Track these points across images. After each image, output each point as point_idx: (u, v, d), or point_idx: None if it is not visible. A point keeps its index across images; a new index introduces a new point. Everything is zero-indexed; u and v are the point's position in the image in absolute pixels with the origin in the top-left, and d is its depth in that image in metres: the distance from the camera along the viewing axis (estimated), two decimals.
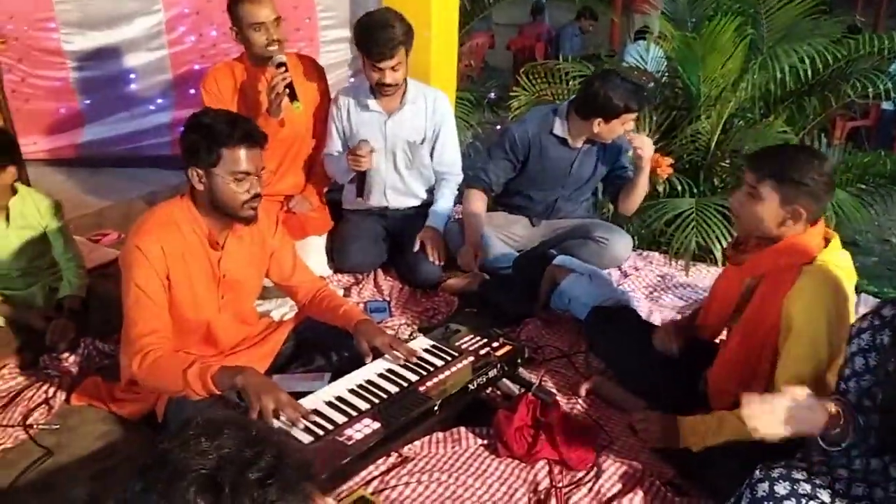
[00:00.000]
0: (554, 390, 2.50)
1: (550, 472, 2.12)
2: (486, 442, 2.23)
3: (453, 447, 2.20)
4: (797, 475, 1.64)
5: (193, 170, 2.06)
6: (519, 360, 2.40)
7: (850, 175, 4.03)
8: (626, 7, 9.09)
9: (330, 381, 2.20)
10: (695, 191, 4.05)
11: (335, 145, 3.31)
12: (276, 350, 2.42)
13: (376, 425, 1.94)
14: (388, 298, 3.18)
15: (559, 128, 3.15)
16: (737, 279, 2.18)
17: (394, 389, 2.12)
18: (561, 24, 9.95)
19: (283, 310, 2.94)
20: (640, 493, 2.02)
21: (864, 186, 4.00)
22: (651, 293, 3.29)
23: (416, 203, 3.46)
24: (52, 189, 2.96)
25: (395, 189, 3.39)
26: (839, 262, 1.97)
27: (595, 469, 2.13)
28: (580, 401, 2.47)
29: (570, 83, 4.56)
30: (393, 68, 3.02)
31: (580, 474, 2.12)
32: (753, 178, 1.97)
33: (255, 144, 2.08)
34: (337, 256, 3.39)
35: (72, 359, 2.57)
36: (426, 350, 2.33)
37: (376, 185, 3.34)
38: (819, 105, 4.34)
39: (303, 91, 3.06)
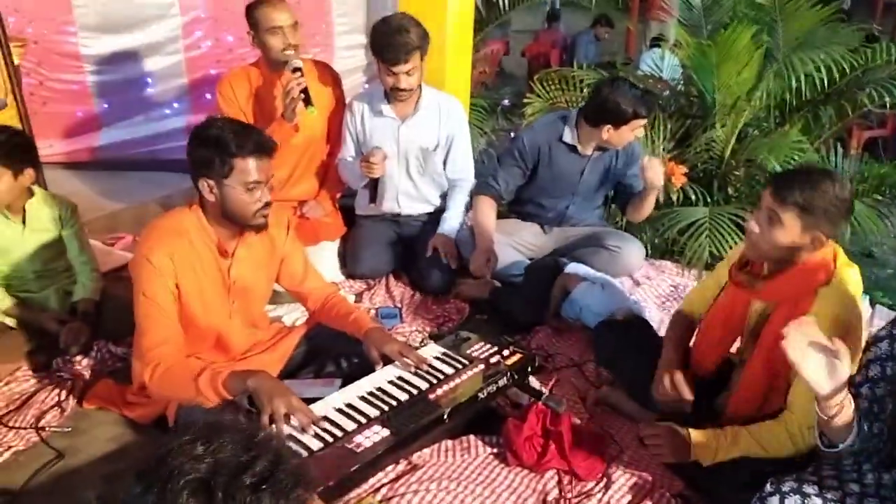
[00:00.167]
0: (564, 399, 2.48)
1: (560, 481, 2.12)
2: (495, 451, 2.22)
3: (462, 455, 2.19)
4: (808, 489, 1.63)
5: (204, 181, 2.06)
6: (529, 369, 2.39)
7: (867, 186, 3.99)
8: (641, 14, 9.07)
9: (340, 388, 2.20)
10: (708, 200, 4.03)
11: (349, 150, 3.32)
12: (288, 355, 2.42)
13: (386, 432, 1.94)
14: (399, 305, 3.19)
15: (568, 135, 3.15)
16: (742, 303, 2.14)
17: (404, 397, 2.11)
18: (576, 31, 9.96)
19: (294, 315, 2.95)
20: None
21: (880, 197, 3.96)
22: (663, 303, 3.27)
23: (429, 209, 3.46)
24: (67, 192, 2.98)
25: (408, 195, 3.40)
26: (849, 278, 1.95)
27: (604, 480, 2.12)
28: (590, 410, 2.46)
29: (585, 90, 4.54)
30: (408, 73, 3.03)
31: (590, 485, 2.11)
32: (776, 205, 1.90)
33: (266, 154, 2.08)
34: (349, 262, 3.40)
35: (84, 362, 2.59)
36: (436, 358, 2.33)
37: (389, 190, 3.35)
38: (835, 114, 4.32)
39: (318, 96, 3.07)
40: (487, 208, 3.27)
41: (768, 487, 1.66)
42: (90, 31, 3.89)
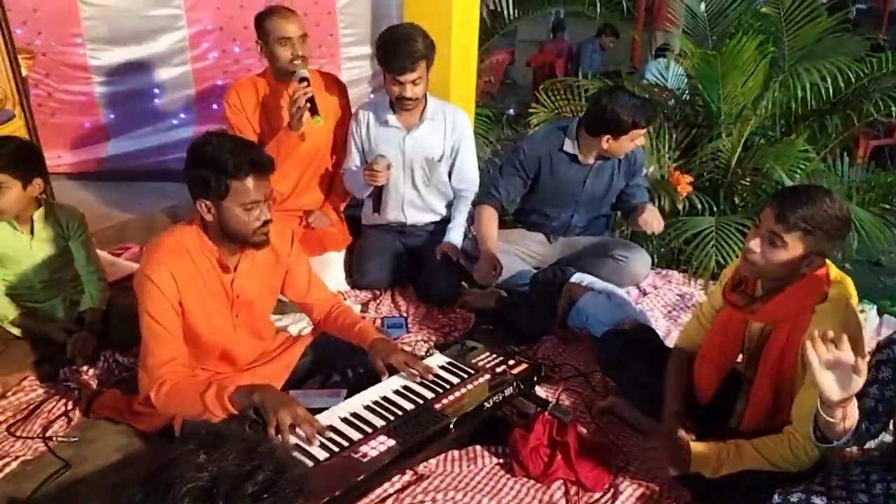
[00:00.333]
0: (570, 409, 2.48)
1: (566, 492, 2.11)
2: (501, 461, 2.22)
3: (468, 466, 2.19)
4: (816, 500, 1.63)
5: (202, 202, 2.05)
6: (535, 379, 2.39)
7: (874, 195, 3.98)
8: (647, 24, 9.07)
9: (346, 398, 2.20)
10: (715, 209, 4.02)
11: (354, 160, 3.33)
12: (293, 365, 2.42)
13: (391, 442, 1.94)
14: (405, 314, 3.19)
15: (569, 145, 3.15)
16: (738, 324, 2.13)
17: (409, 407, 2.11)
18: (581, 40, 9.96)
19: (300, 325, 2.95)
20: None
21: (887, 206, 3.95)
22: (670, 312, 3.26)
23: (435, 219, 3.46)
24: (75, 202, 2.99)
25: (413, 205, 3.40)
26: (844, 291, 1.95)
27: (611, 490, 2.12)
28: (596, 420, 2.45)
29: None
30: (413, 82, 3.05)
31: (596, 495, 2.11)
32: (780, 228, 1.88)
33: (263, 172, 2.05)
34: (355, 272, 3.40)
35: (91, 372, 2.59)
36: (442, 367, 2.33)
37: (394, 200, 3.35)
38: (841, 124, 4.31)
39: (324, 106, 3.09)
40: (489, 217, 3.27)
41: (776, 498, 1.65)
42: (98, 42, 3.91)
